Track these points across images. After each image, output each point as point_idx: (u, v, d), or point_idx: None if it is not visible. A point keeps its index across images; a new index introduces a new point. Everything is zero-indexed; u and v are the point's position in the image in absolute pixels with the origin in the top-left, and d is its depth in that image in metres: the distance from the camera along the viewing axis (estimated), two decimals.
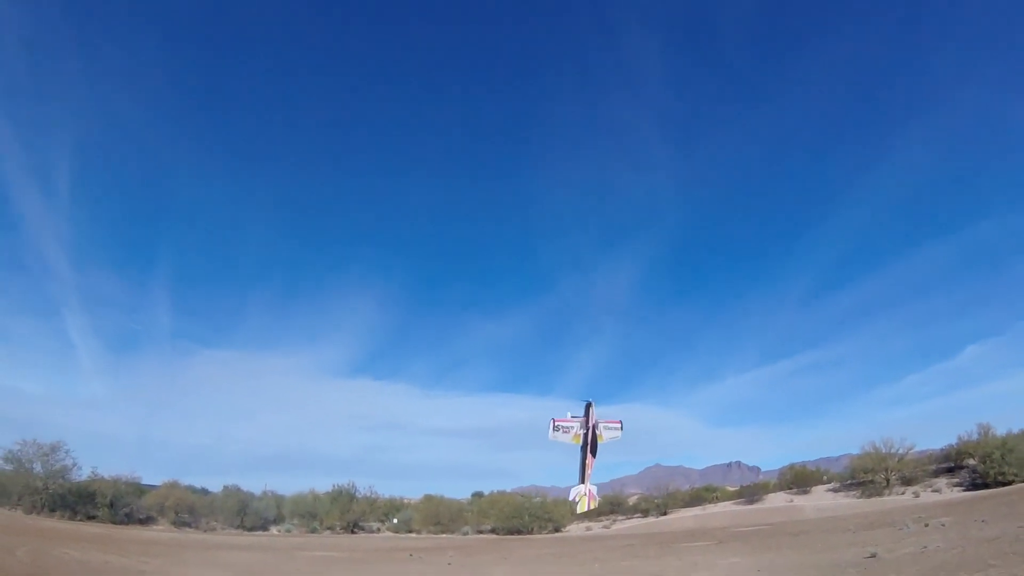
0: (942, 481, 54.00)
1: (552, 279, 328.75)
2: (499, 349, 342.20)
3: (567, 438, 10.63)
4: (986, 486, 48.48)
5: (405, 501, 70.32)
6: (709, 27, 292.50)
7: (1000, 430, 54.04)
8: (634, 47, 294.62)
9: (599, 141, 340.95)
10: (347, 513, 61.25)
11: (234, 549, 36.24)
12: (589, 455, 11.00)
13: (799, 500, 58.58)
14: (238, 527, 58.07)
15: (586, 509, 11.26)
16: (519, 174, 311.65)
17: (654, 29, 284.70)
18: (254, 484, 67.01)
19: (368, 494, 66.91)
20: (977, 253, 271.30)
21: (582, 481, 11.06)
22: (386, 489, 73.44)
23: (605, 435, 11.02)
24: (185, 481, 63.77)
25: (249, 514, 59.14)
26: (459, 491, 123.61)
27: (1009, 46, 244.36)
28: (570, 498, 11.14)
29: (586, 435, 10.96)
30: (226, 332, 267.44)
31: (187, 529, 55.30)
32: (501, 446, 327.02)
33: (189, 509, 57.77)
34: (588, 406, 10.85)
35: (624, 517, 64.27)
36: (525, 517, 59.13)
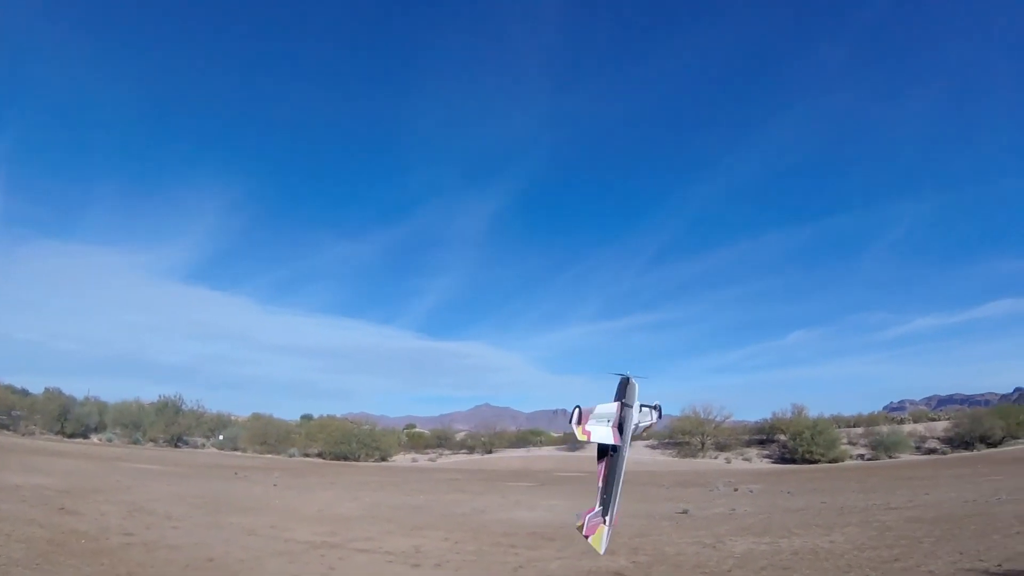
0: (753, 451, 58.89)
1: (411, 206, 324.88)
2: (346, 271, 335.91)
3: (604, 434, 6.25)
4: (793, 461, 53.02)
5: (232, 418, 69.40)
6: None
7: (812, 412, 59.44)
8: None
9: (483, 74, 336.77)
10: (172, 426, 59.75)
11: (54, 456, 34.64)
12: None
13: None
14: (57, 433, 55.33)
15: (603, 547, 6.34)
16: (395, 96, 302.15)
17: None
18: (78, 388, 64.04)
19: (195, 408, 65.39)
20: (820, 247, 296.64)
21: (604, 507, 6.43)
22: (214, 404, 71.99)
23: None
24: (5, 380, 60.20)
25: (70, 420, 56.40)
26: (291, 411, 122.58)
27: (882, 55, 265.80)
28: (584, 532, 6.28)
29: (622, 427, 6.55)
30: (66, 222, 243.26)
31: (4, 432, 52.00)
32: (336, 369, 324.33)
33: (7, 410, 54.39)
34: (625, 384, 6.50)
35: (450, 452, 66.66)
36: (353, 444, 59.71)
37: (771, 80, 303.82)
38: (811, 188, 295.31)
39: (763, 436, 61.36)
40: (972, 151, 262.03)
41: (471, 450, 66.89)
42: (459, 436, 72.94)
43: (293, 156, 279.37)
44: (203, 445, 61.43)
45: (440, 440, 69.54)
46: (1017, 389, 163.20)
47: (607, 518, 6.39)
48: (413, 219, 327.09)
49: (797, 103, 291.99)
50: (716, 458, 57.31)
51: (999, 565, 11.18)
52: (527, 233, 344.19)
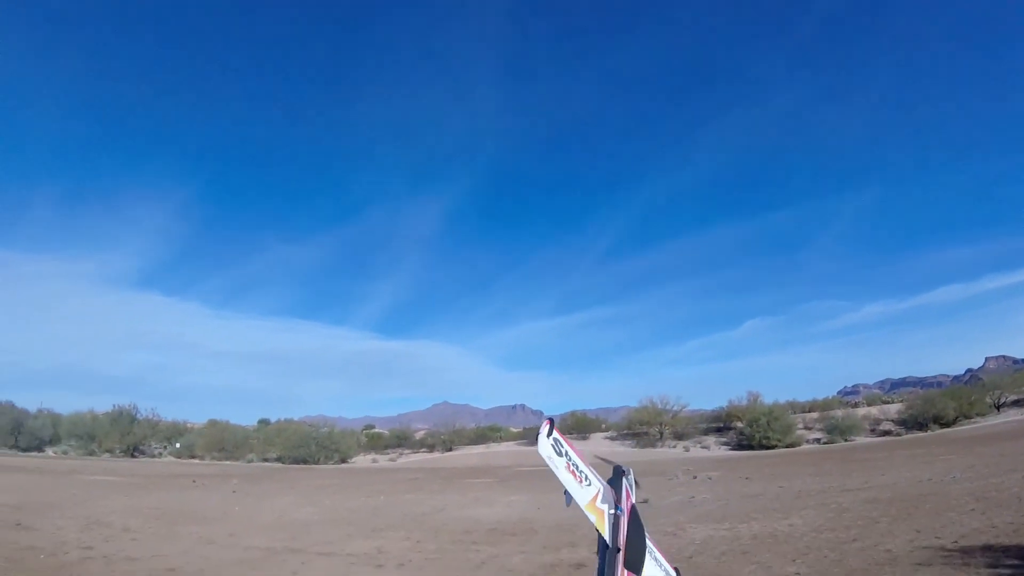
0: (711, 439, 59.41)
1: (358, 209, 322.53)
2: (296, 274, 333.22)
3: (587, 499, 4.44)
4: (751, 448, 53.41)
5: (189, 426, 68.56)
6: None
7: (767, 399, 60.09)
8: None
9: (428, 71, 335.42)
10: (127, 436, 59.06)
11: (7, 471, 34.53)
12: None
13: (578, 445, 62.25)
14: (11, 447, 54.50)
15: None
16: (339, 103, 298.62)
17: None
18: (29, 401, 62.70)
19: (150, 416, 64.66)
20: (768, 240, 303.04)
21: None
22: (169, 412, 70.88)
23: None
24: None
25: (24, 433, 55.67)
26: (245, 417, 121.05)
27: (824, 61, 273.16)
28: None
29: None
30: (6, 229, 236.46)
31: None
32: (290, 373, 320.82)
33: None
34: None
35: (410, 451, 66.75)
36: (312, 447, 58.76)
37: (716, 82, 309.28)
38: (757, 184, 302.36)
39: (720, 424, 61.85)
40: (912, 145, 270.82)
41: (431, 448, 66.97)
42: (418, 435, 72.85)
43: (239, 160, 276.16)
44: (160, 454, 60.89)
45: (399, 440, 69.65)
46: (968, 370, 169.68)
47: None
48: (361, 221, 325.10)
49: (741, 105, 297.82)
50: (674, 447, 57.53)
51: (955, 542, 11.49)
52: (477, 233, 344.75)
